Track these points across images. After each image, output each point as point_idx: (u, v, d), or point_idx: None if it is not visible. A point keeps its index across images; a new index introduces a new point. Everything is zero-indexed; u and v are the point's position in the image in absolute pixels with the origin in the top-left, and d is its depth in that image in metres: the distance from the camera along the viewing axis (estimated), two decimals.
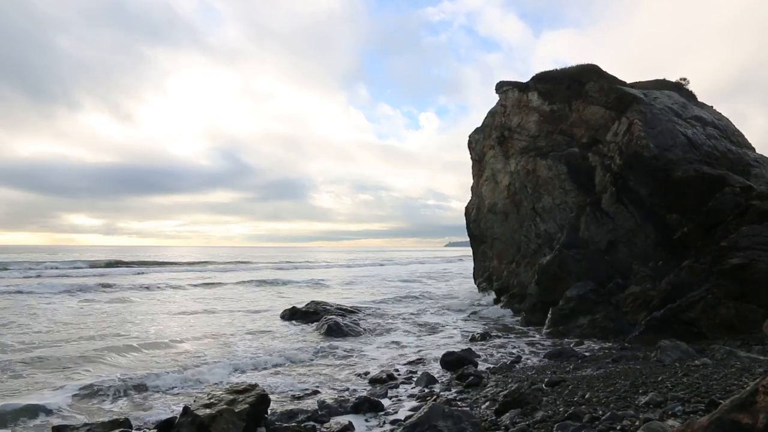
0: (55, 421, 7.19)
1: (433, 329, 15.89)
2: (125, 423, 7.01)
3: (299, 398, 8.58)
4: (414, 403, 8.01)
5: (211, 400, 6.40)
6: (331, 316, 16.19)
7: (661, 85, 19.65)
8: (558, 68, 20.31)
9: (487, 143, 22.99)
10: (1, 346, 11.93)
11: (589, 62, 19.61)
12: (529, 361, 11.21)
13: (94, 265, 48.18)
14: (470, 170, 25.11)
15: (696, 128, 16.40)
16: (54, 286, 25.95)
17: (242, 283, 32.60)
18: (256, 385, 6.97)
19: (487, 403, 7.30)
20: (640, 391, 6.48)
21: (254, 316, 18.48)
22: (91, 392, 8.54)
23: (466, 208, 24.97)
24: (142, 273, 40.64)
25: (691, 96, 19.46)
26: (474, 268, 24.95)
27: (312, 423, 7.06)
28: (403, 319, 18.22)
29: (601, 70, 18.97)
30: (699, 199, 13.54)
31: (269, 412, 7.00)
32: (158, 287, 28.09)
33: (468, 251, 27.51)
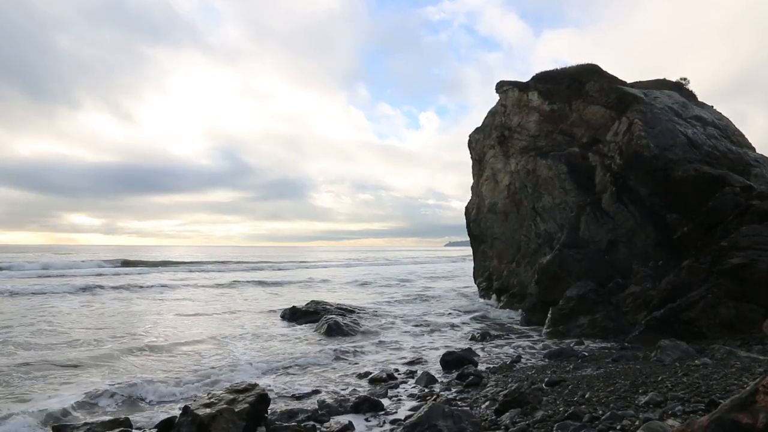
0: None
1: (433, 329, 15.89)
2: (125, 422, 7.01)
3: (299, 398, 8.58)
4: (414, 403, 8.01)
5: (211, 400, 6.41)
6: (331, 316, 16.19)
7: (662, 84, 19.65)
8: (558, 68, 20.32)
9: (488, 143, 22.99)
10: (24, 346, 11.94)
11: (590, 62, 19.64)
12: (529, 360, 11.21)
13: (113, 264, 48.59)
14: (470, 170, 25.12)
15: (696, 128, 16.40)
16: (74, 286, 26.04)
17: (242, 282, 32.59)
18: (256, 385, 6.98)
19: (487, 403, 7.30)
20: (640, 391, 6.48)
21: (254, 315, 18.48)
22: (102, 397, 8.47)
23: (466, 207, 24.98)
24: (143, 273, 40.66)
25: (691, 96, 19.46)
26: (474, 268, 24.95)
27: (312, 422, 7.06)
28: (403, 318, 18.22)
29: (602, 69, 18.98)
30: (699, 199, 13.54)
31: (269, 411, 7.00)
32: (155, 287, 28.08)
33: (468, 251, 27.53)
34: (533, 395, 6.75)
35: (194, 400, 6.72)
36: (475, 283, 24.83)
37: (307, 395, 8.71)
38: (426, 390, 8.84)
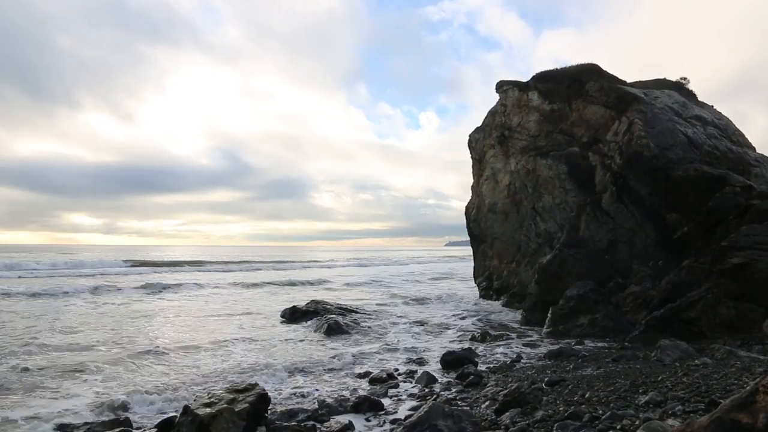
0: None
1: (433, 329, 15.89)
2: (126, 422, 7.01)
3: (299, 397, 8.58)
4: (414, 403, 8.01)
5: (212, 399, 6.41)
6: (331, 315, 16.19)
7: (662, 84, 19.64)
8: (558, 68, 20.32)
9: (488, 143, 22.99)
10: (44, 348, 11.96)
11: (590, 62, 19.64)
12: (529, 360, 11.21)
13: (134, 264, 48.97)
14: (470, 170, 25.12)
15: (696, 128, 16.39)
16: (101, 286, 26.24)
17: (242, 282, 32.59)
18: (256, 385, 6.98)
19: (487, 403, 7.30)
20: (640, 391, 6.48)
21: (254, 315, 18.49)
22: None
23: (467, 207, 24.98)
24: (141, 273, 40.62)
25: (691, 95, 19.45)
26: (474, 268, 24.96)
27: (312, 422, 7.07)
28: (403, 318, 18.22)
29: (602, 69, 18.98)
30: (699, 199, 13.54)
31: (269, 411, 7.00)
32: (155, 289, 28.06)
33: (468, 251, 27.53)
34: (533, 395, 6.75)
35: (194, 399, 6.73)
36: (475, 282, 24.83)
37: (307, 395, 8.70)
38: (426, 390, 8.84)
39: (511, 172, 20.88)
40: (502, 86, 21.95)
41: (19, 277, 33.64)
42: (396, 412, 7.57)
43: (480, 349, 12.51)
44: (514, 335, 14.58)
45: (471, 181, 25.09)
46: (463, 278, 37.39)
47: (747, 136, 18.75)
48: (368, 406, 7.68)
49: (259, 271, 46.08)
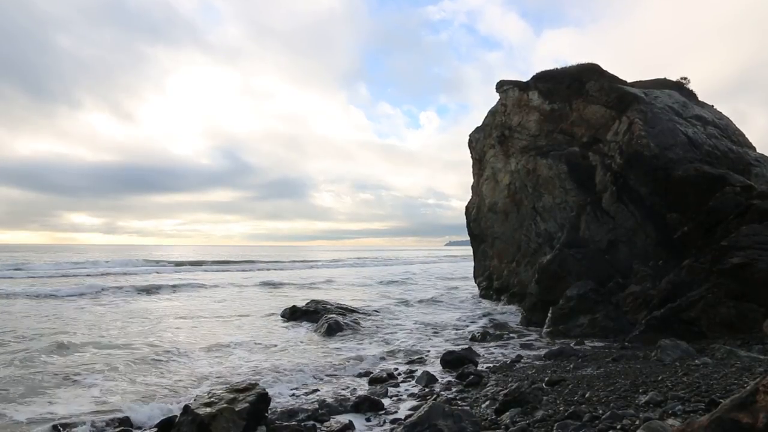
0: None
1: (433, 328, 15.89)
2: (126, 422, 7.02)
3: (299, 397, 8.58)
4: (414, 402, 8.02)
5: (212, 399, 6.41)
6: (331, 315, 16.19)
7: (662, 84, 19.63)
8: (558, 67, 20.30)
9: (488, 142, 22.99)
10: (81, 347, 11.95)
11: (590, 61, 19.61)
12: (529, 360, 11.21)
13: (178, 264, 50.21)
14: (470, 169, 25.12)
15: (696, 127, 16.38)
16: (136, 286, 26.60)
17: (242, 282, 32.60)
18: (256, 384, 6.99)
19: (488, 402, 7.30)
20: (641, 391, 6.48)
21: (253, 315, 18.49)
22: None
23: (467, 207, 24.98)
24: (144, 273, 40.66)
25: (691, 95, 19.44)
26: (474, 268, 24.96)
27: (312, 422, 7.07)
28: (403, 318, 18.23)
29: (602, 69, 18.95)
30: (699, 199, 13.52)
31: (269, 410, 7.01)
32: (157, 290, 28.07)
33: (468, 250, 27.54)
34: (533, 395, 6.75)
35: (194, 399, 6.73)
36: (476, 282, 24.83)
37: (307, 394, 8.71)
38: (426, 389, 8.84)
39: (511, 172, 20.88)
40: (502, 86, 21.94)
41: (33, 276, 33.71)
42: (396, 412, 7.58)
43: (480, 348, 12.51)
44: (514, 335, 14.58)
45: (471, 180, 25.10)
46: (463, 278, 37.39)
47: (747, 135, 18.76)
48: (368, 405, 7.68)
49: (258, 271, 46.08)
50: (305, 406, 7.81)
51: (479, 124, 24.23)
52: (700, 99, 19.64)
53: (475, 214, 24.02)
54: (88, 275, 36.01)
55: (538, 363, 10.68)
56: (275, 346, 12.92)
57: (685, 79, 20.20)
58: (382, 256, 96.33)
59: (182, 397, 8.32)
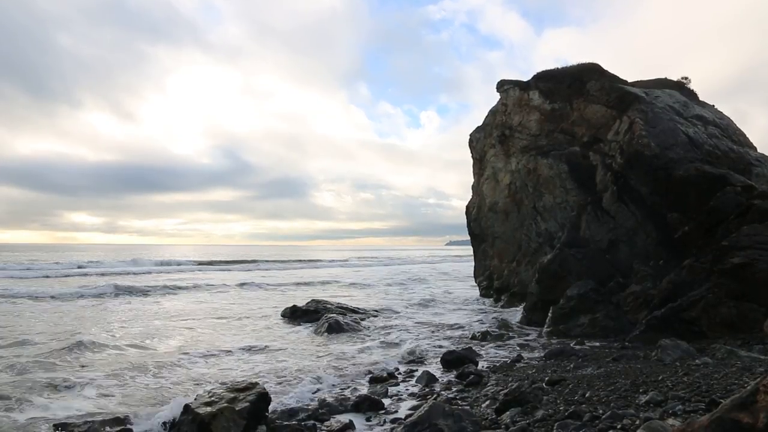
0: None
1: (433, 328, 15.89)
2: (126, 420, 7.02)
3: (300, 396, 8.57)
4: (414, 402, 8.02)
5: (212, 398, 6.42)
6: (331, 315, 16.19)
7: (663, 84, 19.61)
8: (559, 67, 20.29)
9: (488, 142, 22.98)
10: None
11: (591, 61, 19.60)
12: (529, 360, 11.21)
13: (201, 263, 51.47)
14: (471, 169, 25.11)
15: (697, 127, 16.36)
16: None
17: (243, 281, 32.61)
18: (256, 384, 6.99)
19: (488, 402, 7.30)
20: (641, 390, 6.48)
21: (253, 314, 18.50)
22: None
23: (467, 206, 24.97)
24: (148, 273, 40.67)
25: (692, 95, 19.41)
26: (474, 267, 24.95)
27: (313, 421, 7.08)
28: (404, 317, 18.24)
29: (603, 68, 18.94)
30: (700, 199, 13.51)
31: (270, 410, 7.01)
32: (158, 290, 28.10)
33: (469, 250, 27.53)
34: (534, 394, 6.75)
35: (195, 399, 6.73)
36: (476, 282, 24.82)
37: (308, 394, 8.71)
38: (426, 389, 8.84)
39: (511, 172, 20.87)
40: (503, 85, 21.93)
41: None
42: (396, 412, 7.58)
43: (480, 348, 12.51)
44: (514, 335, 14.58)
45: (472, 180, 25.09)
46: (463, 278, 37.39)
47: (748, 135, 18.72)
48: (369, 405, 7.69)
49: (257, 271, 46.11)
50: (305, 406, 7.82)
51: (480, 123, 24.22)
52: (700, 99, 19.62)
53: (475, 213, 24.01)
54: (104, 274, 36.39)
55: (538, 363, 10.68)
56: (276, 345, 12.92)
57: (686, 78, 20.18)
58: (383, 255, 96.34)
59: (183, 397, 8.32)
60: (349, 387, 9.18)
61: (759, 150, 18.22)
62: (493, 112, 22.76)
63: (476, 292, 24.57)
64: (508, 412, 6.35)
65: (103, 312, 18.36)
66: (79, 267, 41.66)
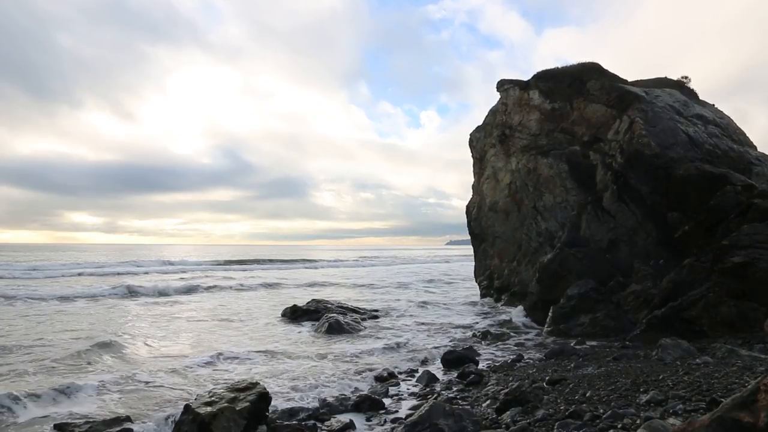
0: None
1: (433, 328, 15.89)
2: (126, 420, 7.02)
3: (300, 396, 8.58)
4: (415, 402, 8.02)
5: (212, 398, 6.42)
6: (332, 315, 16.18)
7: (663, 83, 19.59)
8: (559, 66, 20.26)
9: (488, 141, 22.97)
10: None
11: (591, 60, 19.58)
12: (530, 359, 11.21)
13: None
14: (471, 168, 25.10)
15: (697, 126, 16.35)
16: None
17: (243, 281, 32.62)
18: (257, 383, 6.99)
19: (488, 402, 7.30)
20: (641, 390, 6.48)
21: (253, 314, 18.50)
22: None
23: (467, 206, 24.96)
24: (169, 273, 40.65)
25: (692, 94, 19.40)
26: (475, 267, 24.93)
27: (313, 421, 7.08)
28: (404, 317, 18.24)
29: (603, 68, 18.93)
30: (700, 198, 13.51)
31: (270, 410, 7.01)
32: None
33: (469, 250, 27.52)
34: (534, 394, 6.75)
35: (195, 398, 6.73)
36: (476, 282, 24.81)
37: (308, 393, 8.71)
38: (427, 389, 8.85)
39: (512, 171, 20.86)
40: (503, 85, 21.92)
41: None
42: (397, 411, 7.58)
43: (481, 348, 12.52)
44: (515, 334, 14.59)
45: (472, 180, 25.08)
46: (463, 277, 37.39)
47: (748, 134, 18.70)
48: (369, 405, 7.69)
49: (257, 271, 46.11)
50: (306, 405, 7.82)
51: (480, 123, 24.21)
52: (700, 98, 19.60)
53: (475, 213, 24.01)
54: (119, 274, 36.53)
55: (538, 362, 10.68)
56: (276, 345, 12.92)
57: (686, 78, 20.16)
58: (383, 255, 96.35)
59: (183, 397, 8.33)
60: (349, 387, 9.18)
61: (759, 149, 18.21)
62: (493, 112, 22.75)
63: (477, 292, 24.57)
64: (508, 412, 6.35)
65: (104, 313, 18.36)
66: (78, 269, 41.53)
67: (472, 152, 24.85)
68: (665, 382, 6.68)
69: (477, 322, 16.98)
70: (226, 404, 6.21)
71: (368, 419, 7.27)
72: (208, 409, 6.11)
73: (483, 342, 13.42)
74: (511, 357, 11.43)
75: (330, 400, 8.01)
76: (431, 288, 30.59)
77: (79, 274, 36.44)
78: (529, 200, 19.63)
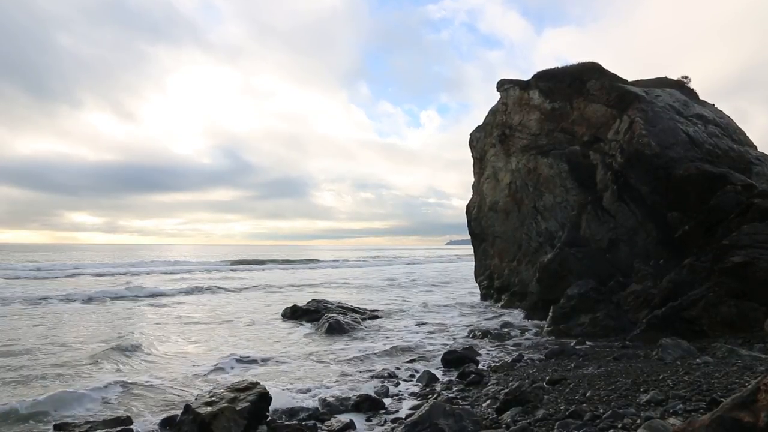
0: None
1: (433, 328, 15.88)
2: (127, 421, 7.02)
3: (300, 396, 8.57)
4: (415, 402, 8.02)
5: (213, 398, 6.42)
6: (332, 315, 16.18)
7: (663, 83, 19.59)
8: (559, 66, 20.26)
9: (489, 141, 22.96)
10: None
11: (591, 60, 19.58)
12: (530, 359, 11.20)
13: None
14: (471, 168, 25.09)
15: (697, 126, 16.35)
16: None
17: (243, 281, 32.63)
18: (257, 383, 6.99)
19: (489, 402, 7.30)
20: (641, 390, 6.48)
21: (254, 313, 18.50)
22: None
23: (467, 206, 24.96)
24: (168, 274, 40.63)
25: (692, 94, 19.39)
26: (475, 267, 24.92)
27: (313, 421, 7.07)
28: (404, 317, 18.23)
29: (603, 68, 18.93)
30: (700, 198, 13.51)
31: (270, 409, 7.01)
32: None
33: (469, 250, 27.52)
34: (534, 394, 6.75)
35: (195, 398, 6.73)
36: (476, 281, 24.80)
37: (308, 393, 8.70)
38: (427, 389, 8.84)
39: (512, 171, 20.86)
40: (503, 85, 21.91)
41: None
42: (397, 411, 7.58)
43: (481, 348, 12.51)
44: (515, 334, 14.58)
45: (472, 179, 25.07)
46: (464, 277, 37.38)
47: (748, 134, 18.69)
48: (369, 405, 7.69)
49: (257, 271, 46.11)
50: (306, 405, 7.81)
51: (480, 123, 24.21)
52: (700, 98, 19.60)
53: (475, 213, 24.00)
54: (119, 274, 36.61)
55: (539, 362, 10.67)
56: (276, 345, 12.93)
57: (686, 77, 20.15)
58: (383, 255, 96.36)
59: (184, 396, 8.33)
60: (349, 386, 9.17)
61: (759, 149, 18.21)
62: (493, 112, 22.74)
63: (477, 292, 24.56)
64: (508, 412, 6.35)
65: (104, 314, 18.37)
66: (79, 270, 41.58)
67: (472, 152, 24.85)
68: (665, 382, 6.68)
69: (477, 322, 16.97)
70: (226, 404, 6.21)
71: (368, 419, 7.27)
72: (209, 409, 6.11)
73: (483, 342, 13.41)
74: (511, 357, 11.42)
75: (330, 400, 8.00)
76: (431, 288, 30.59)
77: (80, 275, 36.46)
78: (529, 200, 19.63)
